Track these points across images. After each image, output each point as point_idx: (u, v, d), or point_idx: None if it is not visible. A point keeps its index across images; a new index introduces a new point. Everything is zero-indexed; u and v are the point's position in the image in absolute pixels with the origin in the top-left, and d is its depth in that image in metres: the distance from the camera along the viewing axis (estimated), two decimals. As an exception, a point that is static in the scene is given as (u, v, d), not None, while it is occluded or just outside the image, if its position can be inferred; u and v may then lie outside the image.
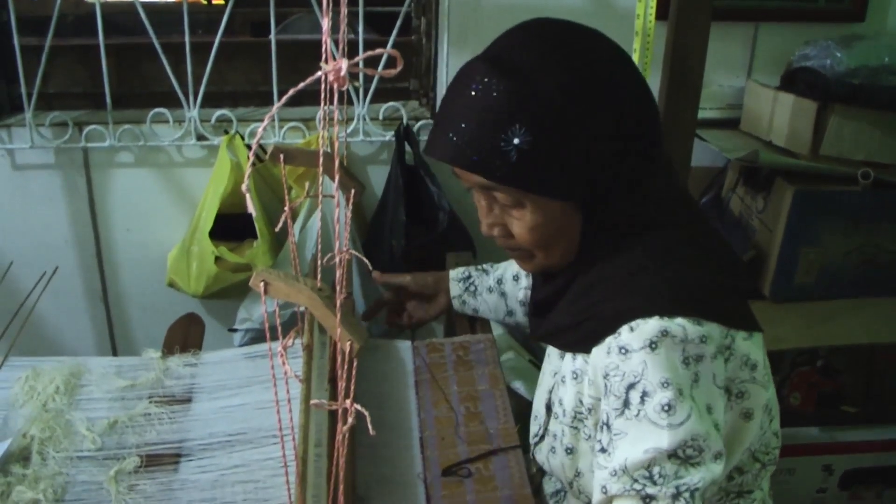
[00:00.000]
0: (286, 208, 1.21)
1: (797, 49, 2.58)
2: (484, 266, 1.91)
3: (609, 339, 1.23)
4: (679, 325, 1.18)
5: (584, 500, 1.42)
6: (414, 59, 2.78)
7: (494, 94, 1.23)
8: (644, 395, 1.17)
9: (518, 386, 2.28)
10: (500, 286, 1.85)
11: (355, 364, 0.97)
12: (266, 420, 1.58)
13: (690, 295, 1.23)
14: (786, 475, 2.63)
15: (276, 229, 1.21)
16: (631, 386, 1.18)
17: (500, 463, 1.53)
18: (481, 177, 1.27)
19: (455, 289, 1.91)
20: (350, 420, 0.96)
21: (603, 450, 1.21)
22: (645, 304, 1.21)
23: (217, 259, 2.46)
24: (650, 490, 1.14)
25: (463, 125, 1.25)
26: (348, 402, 0.96)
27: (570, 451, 1.39)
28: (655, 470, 1.15)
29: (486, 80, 1.24)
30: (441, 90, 2.68)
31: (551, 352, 1.52)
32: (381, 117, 2.67)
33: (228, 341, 2.50)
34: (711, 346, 1.20)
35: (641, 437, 1.16)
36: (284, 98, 0.67)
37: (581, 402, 1.35)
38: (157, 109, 2.58)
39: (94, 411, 1.65)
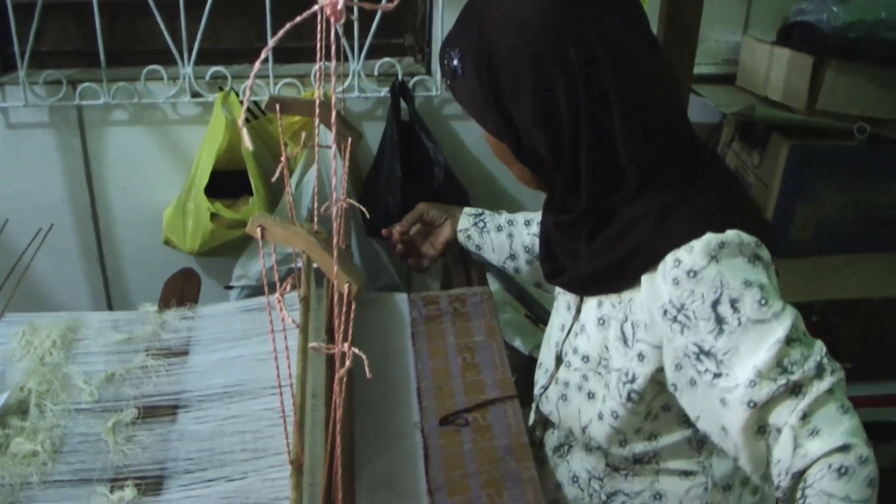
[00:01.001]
0: (282, 158, 1.21)
1: (794, 4, 2.57)
2: (499, 210, 1.88)
3: (669, 268, 1.21)
4: (733, 233, 1.19)
5: (595, 445, 1.43)
6: (409, 15, 2.76)
7: (469, 15, 1.30)
8: (733, 302, 1.16)
9: (515, 341, 2.29)
10: (510, 226, 1.82)
11: (353, 309, 0.97)
12: (263, 372, 1.59)
13: (735, 215, 1.24)
14: (780, 430, 2.64)
15: (273, 179, 1.20)
16: (716, 302, 1.17)
17: (498, 412, 1.54)
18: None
19: (464, 222, 1.86)
20: (348, 363, 0.96)
21: (717, 375, 1.18)
22: (693, 225, 1.21)
23: (213, 216, 2.46)
24: (794, 378, 1.13)
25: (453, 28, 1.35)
26: (346, 345, 0.96)
27: (592, 395, 1.40)
28: (786, 362, 1.14)
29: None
30: (436, 45, 2.67)
31: (559, 305, 1.52)
32: (375, 73, 2.66)
33: (224, 299, 2.49)
34: (765, 253, 1.22)
35: (757, 340, 1.15)
36: (281, 32, 0.67)
37: (606, 347, 1.36)
38: (151, 67, 2.57)
39: (91, 365, 1.65)
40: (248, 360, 1.63)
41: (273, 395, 1.53)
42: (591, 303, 1.39)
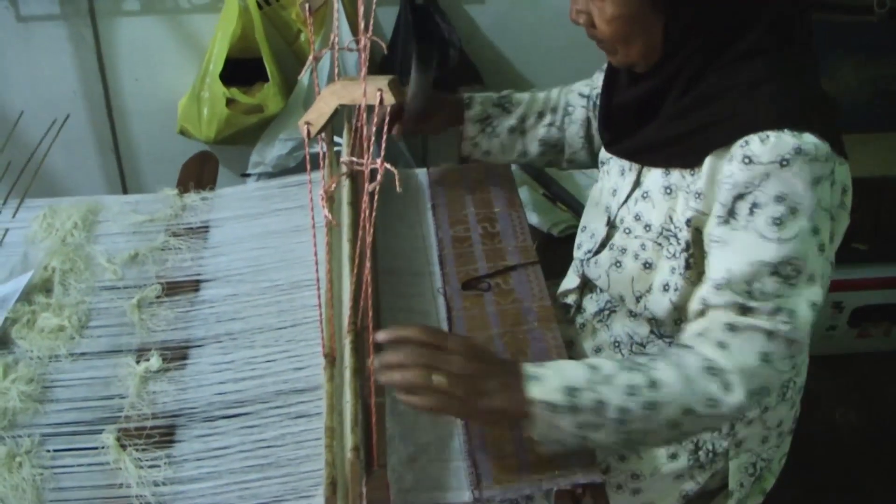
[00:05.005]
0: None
1: None
2: (503, 103, 1.72)
3: (734, 148, 1.18)
4: (811, 142, 1.14)
5: (648, 317, 1.40)
6: None
7: None
8: (754, 206, 1.15)
9: (532, 218, 2.30)
10: (522, 124, 1.71)
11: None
12: (285, 245, 1.61)
13: (816, 110, 1.19)
14: (796, 312, 2.66)
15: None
16: (740, 196, 1.16)
17: (520, 277, 1.55)
18: None
19: (470, 130, 1.71)
20: (379, 178, 0.99)
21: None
22: (773, 113, 1.16)
23: (229, 101, 2.46)
24: (751, 304, 1.15)
25: None
26: (378, 161, 1.00)
27: (648, 265, 1.36)
28: (756, 286, 1.15)
29: None
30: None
31: (610, 169, 1.47)
32: (389, -45, 2.62)
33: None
34: (829, 166, 1.16)
35: (746, 248, 1.16)
36: None
37: (671, 218, 1.32)
38: (161, -47, 2.55)
39: (113, 244, 1.67)
40: (269, 237, 1.65)
41: (297, 267, 1.55)
42: (656, 170, 1.35)
